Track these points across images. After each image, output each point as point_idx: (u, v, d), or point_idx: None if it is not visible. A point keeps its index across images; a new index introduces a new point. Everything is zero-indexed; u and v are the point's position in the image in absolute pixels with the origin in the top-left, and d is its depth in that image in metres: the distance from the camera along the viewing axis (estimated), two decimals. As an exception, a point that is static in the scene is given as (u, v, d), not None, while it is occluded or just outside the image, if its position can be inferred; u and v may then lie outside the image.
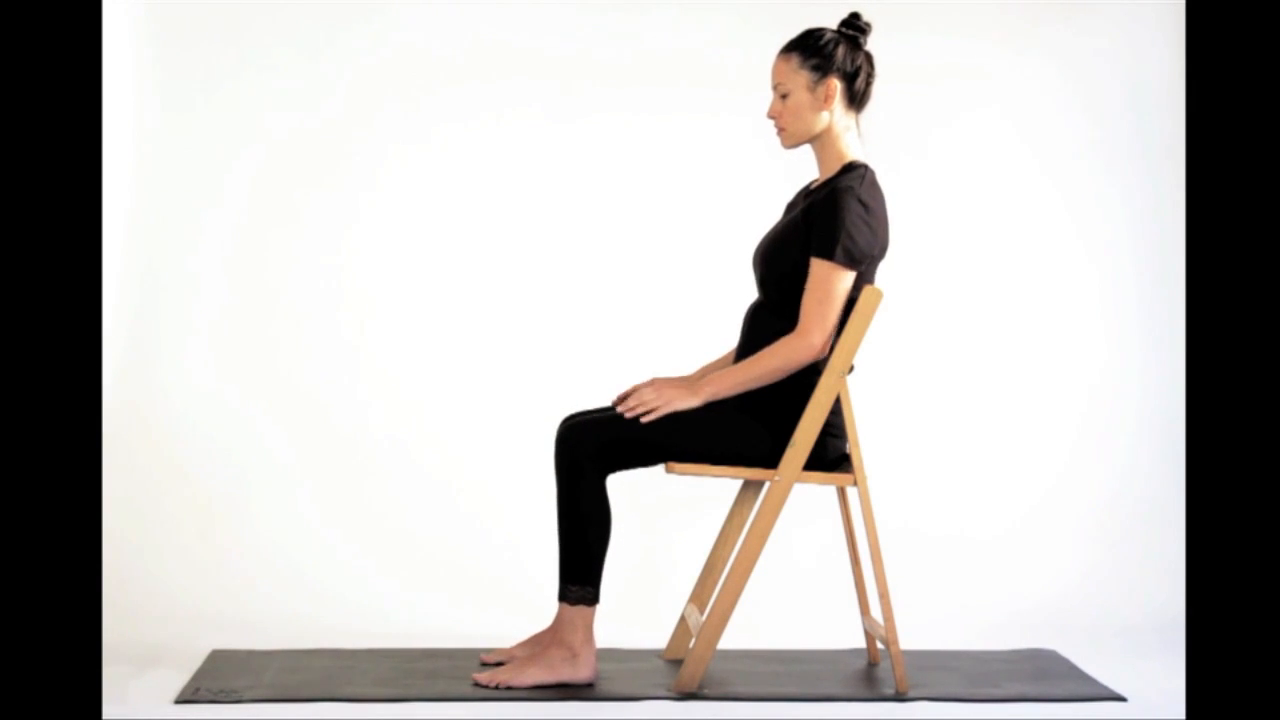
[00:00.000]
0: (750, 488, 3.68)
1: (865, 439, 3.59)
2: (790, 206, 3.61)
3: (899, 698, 3.43)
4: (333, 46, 4.66)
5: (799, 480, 3.44)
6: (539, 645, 3.58)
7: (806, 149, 3.58)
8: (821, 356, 3.38)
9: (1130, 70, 4.78)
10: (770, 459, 3.42)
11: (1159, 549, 4.47)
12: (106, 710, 3.13)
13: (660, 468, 3.47)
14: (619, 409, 3.42)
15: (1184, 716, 3.20)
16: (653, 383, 3.49)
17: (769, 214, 3.76)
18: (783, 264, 3.45)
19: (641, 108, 4.70)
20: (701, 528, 4.02)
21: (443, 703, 3.32)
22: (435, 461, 4.52)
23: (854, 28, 3.49)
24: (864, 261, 3.39)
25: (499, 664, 3.59)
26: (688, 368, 3.77)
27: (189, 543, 4.36)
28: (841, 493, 3.70)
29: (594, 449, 3.38)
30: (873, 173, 3.46)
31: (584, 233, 4.72)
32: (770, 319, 3.47)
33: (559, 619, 3.45)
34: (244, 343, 4.62)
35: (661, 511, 4.35)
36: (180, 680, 3.45)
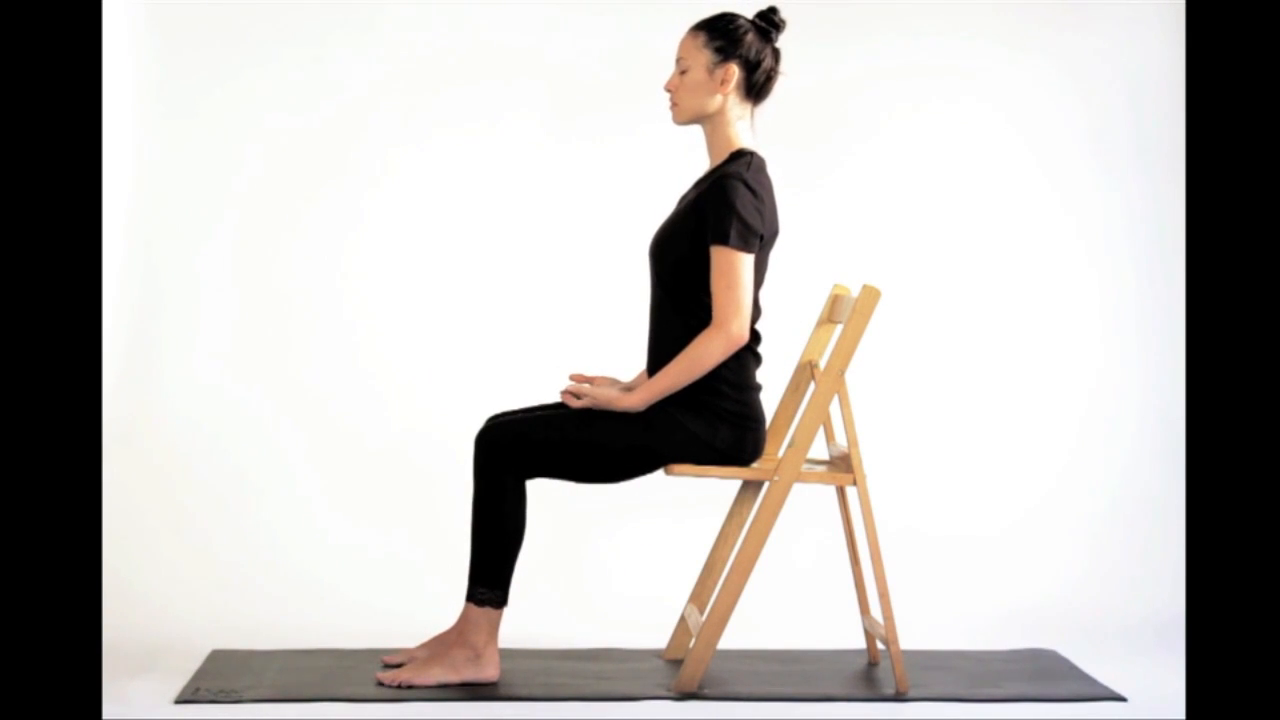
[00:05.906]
0: (749, 488, 3.68)
1: (865, 439, 3.59)
2: (683, 198, 3.57)
3: (899, 698, 3.43)
4: (334, 46, 4.66)
5: (799, 480, 3.44)
6: (442, 645, 3.56)
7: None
8: (743, 342, 3.34)
9: (1130, 70, 4.77)
10: (699, 455, 3.40)
11: (1159, 549, 4.47)
12: (106, 710, 3.13)
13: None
14: (562, 396, 3.43)
15: (1184, 716, 3.20)
16: (594, 381, 3.50)
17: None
18: (674, 254, 3.42)
19: (641, 109, 4.69)
20: (701, 528, 4.02)
21: (443, 703, 3.32)
22: (437, 461, 4.51)
23: (768, 21, 3.47)
24: (756, 242, 3.35)
25: (400, 665, 3.56)
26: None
27: (189, 543, 4.35)
28: (841, 493, 3.70)
29: (515, 451, 3.38)
30: (760, 159, 3.43)
31: (589, 233, 4.71)
32: (671, 316, 3.44)
33: (464, 618, 3.42)
34: (244, 343, 4.62)
35: (661, 511, 4.35)
36: (180, 680, 3.45)
